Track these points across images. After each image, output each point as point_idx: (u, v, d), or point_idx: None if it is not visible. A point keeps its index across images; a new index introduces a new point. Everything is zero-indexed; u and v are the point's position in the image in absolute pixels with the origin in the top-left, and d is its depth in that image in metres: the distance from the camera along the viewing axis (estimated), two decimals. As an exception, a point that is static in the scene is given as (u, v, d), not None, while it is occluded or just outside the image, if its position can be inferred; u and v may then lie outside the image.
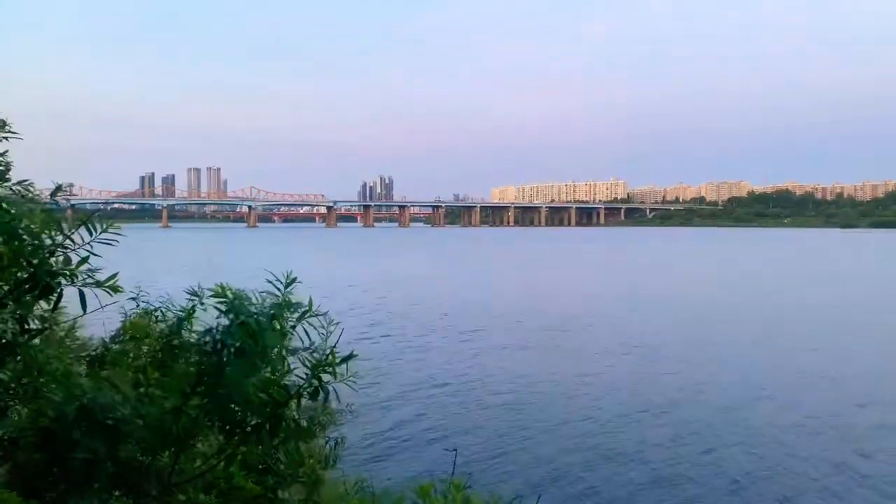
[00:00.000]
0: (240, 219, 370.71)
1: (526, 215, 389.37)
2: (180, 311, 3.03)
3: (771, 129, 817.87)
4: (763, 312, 37.98)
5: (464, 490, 2.79)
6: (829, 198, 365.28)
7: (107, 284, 2.72)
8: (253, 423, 2.57)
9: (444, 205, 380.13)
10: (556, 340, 29.12)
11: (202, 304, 2.75)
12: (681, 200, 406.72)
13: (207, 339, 2.48)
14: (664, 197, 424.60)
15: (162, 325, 3.95)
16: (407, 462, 14.26)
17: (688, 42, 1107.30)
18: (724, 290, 50.74)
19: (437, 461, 13.92)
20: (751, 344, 28.17)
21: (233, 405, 2.48)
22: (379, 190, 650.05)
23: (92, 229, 2.72)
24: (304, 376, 2.51)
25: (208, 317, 2.58)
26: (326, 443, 3.57)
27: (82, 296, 2.71)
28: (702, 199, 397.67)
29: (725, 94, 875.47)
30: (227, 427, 2.63)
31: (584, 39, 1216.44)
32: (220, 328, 2.47)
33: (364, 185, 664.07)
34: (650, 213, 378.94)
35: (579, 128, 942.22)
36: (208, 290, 2.62)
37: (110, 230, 2.73)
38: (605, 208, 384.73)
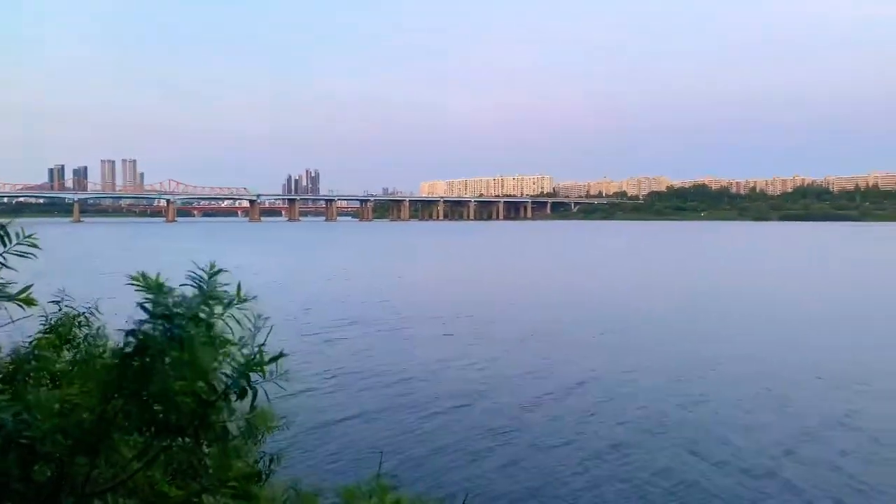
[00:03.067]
0: (158, 213, 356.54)
1: (455, 209, 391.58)
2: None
3: (686, 126, 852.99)
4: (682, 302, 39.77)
5: (390, 492, 2.82)
6: (742, 192, 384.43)
7: (19, 298, 2.48)
8: (177, 423, 2.43)
9: (372, 199, 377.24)
10: (478, 332, 29.44)
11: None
12: (604, 195, 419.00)
13: (129, 338, 2.33)
14: (588, 191, 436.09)
15: (86, 330, 3.80)
16: (333, 465, 14.03)
17: (607, 41, 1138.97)
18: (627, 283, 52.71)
19: (362, 462, 13.79)
20: (648, 326, 29.55)
21: (155, 405, 2.34)
22: (305, 183, 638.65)
23: (6, 240, 2.46)
24: (231, 374, 2.39)
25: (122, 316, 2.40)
26: (262, 457, 3.51)
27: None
28: (624, 194, 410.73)
29: (645, 93, 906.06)
30: (149, 428, 2.48)
31: (511, 36, 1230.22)
32: (142, 324, 2.32)
33: (289, 179, 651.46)
34: (575, 207, 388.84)
35: (507, 123, 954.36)
36: (128, 276, 2.42)
37: (26, 240, 2.48)
38: (532, 203, 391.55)
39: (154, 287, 2.35)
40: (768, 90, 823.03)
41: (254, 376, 2.45)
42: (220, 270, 2.46)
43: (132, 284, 2.34)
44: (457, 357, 24.46)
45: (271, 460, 4.12)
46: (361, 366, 22.89)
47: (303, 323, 31.11)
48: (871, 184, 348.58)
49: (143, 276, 2.38)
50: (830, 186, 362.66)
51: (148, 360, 2.31)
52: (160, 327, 2.29)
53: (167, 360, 2.28)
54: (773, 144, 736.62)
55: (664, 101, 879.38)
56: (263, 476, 3.83)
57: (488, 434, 16.03)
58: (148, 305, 2.33)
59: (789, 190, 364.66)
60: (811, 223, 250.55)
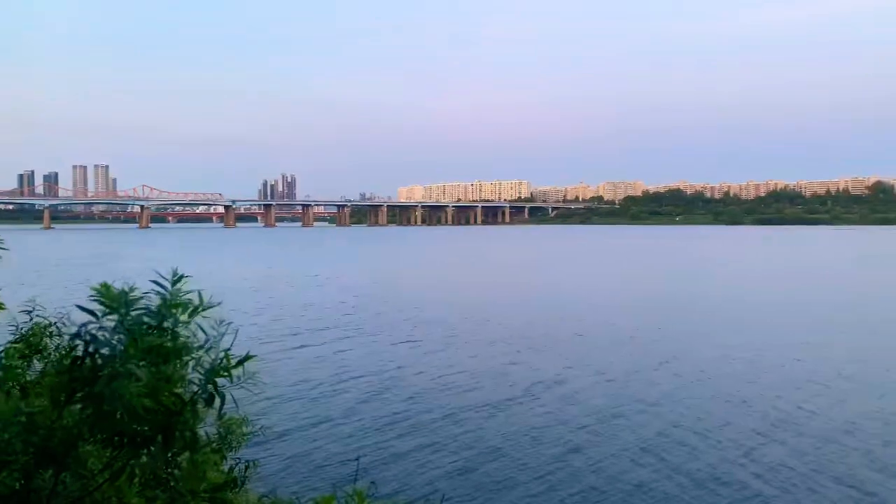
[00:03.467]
0: (131, 219, 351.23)
1: (433, 214, 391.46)
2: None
3: (662, 130, 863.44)
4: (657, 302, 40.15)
5: (367, 499, 2.77)
6: (716, 196, 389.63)
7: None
8: (143, 433, 2.35)
9: (349, 204, 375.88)
10: (450, 336, 29.42)
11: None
12: (581, 199, 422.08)
13: (78, 342, 2.26)
14: (565, 196, 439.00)
15: (58, 340, 3.69)
16: (309, 472, 13.87)
17: (585, 45, 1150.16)
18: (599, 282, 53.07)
19: (340, 470, 13.65)
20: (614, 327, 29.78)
21: (118, 415, 2.25)
22: (281, 189, 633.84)
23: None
24: (199, 381, 2.34)
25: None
26: (236, 463, 3.40)
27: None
28: (600, 199, 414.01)
29: (620, 98, 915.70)
30: (115, 439, 2.40)
31: (489, 40, 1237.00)
32: (95, 330, 2.26)
33: (265, 184, 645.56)
34: (552, 211, 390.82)
35: (485, 129, 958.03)
36: (91, 288, 2.38)
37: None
38: (510, 207, 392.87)
39: (114, 295, 2.29)
40: (742, 96, 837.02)
41: (222, 381, 2.39)
42: (182, 277, 2.41)
43: (94, 294, 2.29)
44: (434, 361, 24.42)
45: (247, 467, 4.01)
46: (336, 371, 22.74)
47: (274, 329, 30.82)
48: (841, 188, 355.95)
49: (106, 286, 2.33)
50: (803, 191, 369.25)
51: (100, 363, 2.23)
52: (115, 333, 2.23)
53: (123, 367, 2.20)
54: (747, 149, 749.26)
55: (640, 106, 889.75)
56: (238, 484, 3.71)
57: (465, 436, 16.00)
58: (103, 312, 2.27)
59: (763, 194, 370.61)
60: (784, 227, 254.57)
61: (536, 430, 16.58)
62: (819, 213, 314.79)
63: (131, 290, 2.32)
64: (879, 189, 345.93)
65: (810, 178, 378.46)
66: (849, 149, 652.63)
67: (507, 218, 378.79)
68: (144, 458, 2.47)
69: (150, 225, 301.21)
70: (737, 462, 14.38)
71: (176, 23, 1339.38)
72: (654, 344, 27.75)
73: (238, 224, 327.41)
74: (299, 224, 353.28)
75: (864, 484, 13.17)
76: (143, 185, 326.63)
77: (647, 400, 19.23)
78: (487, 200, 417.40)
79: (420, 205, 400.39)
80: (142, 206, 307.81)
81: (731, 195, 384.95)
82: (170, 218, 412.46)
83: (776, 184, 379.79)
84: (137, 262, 69.01)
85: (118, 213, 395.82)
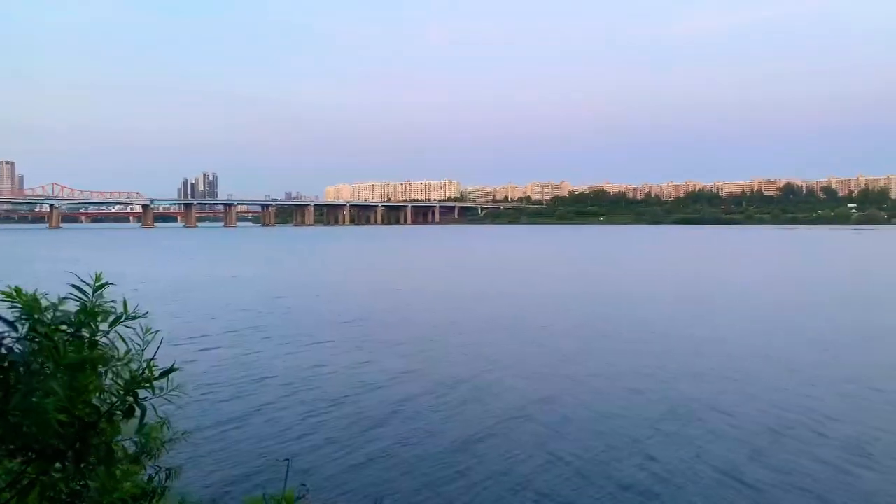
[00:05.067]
0: (40, 219, 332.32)
1: (362, 214, 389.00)
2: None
3: (586, 132, 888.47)
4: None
5: (297, 501, 2.61)
6: (639, 197, 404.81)
7: None
8: (54, 446, 2.22)
9: (274, 203, 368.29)
10: (373, 335, 29.10)
11: None
12: (509, 199, 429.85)
13: None
14: (495, 196, 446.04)
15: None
16: (238, 476, 13.31)
17: (513, 50, 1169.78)
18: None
19: (269, 472, 13.23)
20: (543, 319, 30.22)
21: (26, 427, 2.11)
22: (202, 187, 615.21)
23: None
24: (117, 392, 2.23)
25: None
26: (157, 472, 2.91)
27: None
28: (528, 199, 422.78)
29: (546, 100, 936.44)
30: (22, 452, 2.24)
31: (423, 40, 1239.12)
32: (10, 342, 2.10)
33: (185, 182, 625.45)
34: (482, 211, 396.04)
35: (414, 128, 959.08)
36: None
37: None
38: (440, 207, 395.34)
39: (27, 302, 2.16)
40: (659, 99, 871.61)
41: (143, 393, 2.31)
42: (105, 283, 2.30)
43: (5, 299, 2.16)
44: (359, 360, 24.08)
45: (167, 476, 3.59)
46: (256, 373, 22.20)
47: (186, 332, 29.50)
48: (755, 189, 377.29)
49: (18, 290, 2.21)
50: (720, 192, 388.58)
51: (11, 375, 2.08)
52: (28, 342, 2.10)
53: (36, 378, 2.07)
54: (666, 151, 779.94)
55: (566, 109, 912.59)
56: (158, 493, 3.31)
57: (397, 435, 15.86)
58: (13, 319, 2.14)
59: (682, 195, 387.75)
60: (703, 227, 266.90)
61: (478, 431, 16.58)
62: (735, 213, 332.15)
63: (43, 295, 2.19)
64: (789, 190, 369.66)
65: (726, 179, 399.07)
66: (761, 151, 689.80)
67: (438, 217, 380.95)
68: (56, 474, 2.34)
69: (61, 225, 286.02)
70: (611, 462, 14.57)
71: (88, 15, 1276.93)
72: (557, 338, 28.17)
73: (157, 224, 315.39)
74: (221, 224, 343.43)
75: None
76: (54, 184, 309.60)
77: (554, 395, 19.52)
78: (417, 200, 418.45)
79: (348, 204, 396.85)
80: (52, 206, 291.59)
81: (653, 195, 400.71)
82: (83, 218, 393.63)
83: (694, 185, 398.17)
84: (45, 265, 64.95)
85: (25, 213, 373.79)
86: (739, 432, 15.96)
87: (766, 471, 13.53)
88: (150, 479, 3.41)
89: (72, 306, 2.20)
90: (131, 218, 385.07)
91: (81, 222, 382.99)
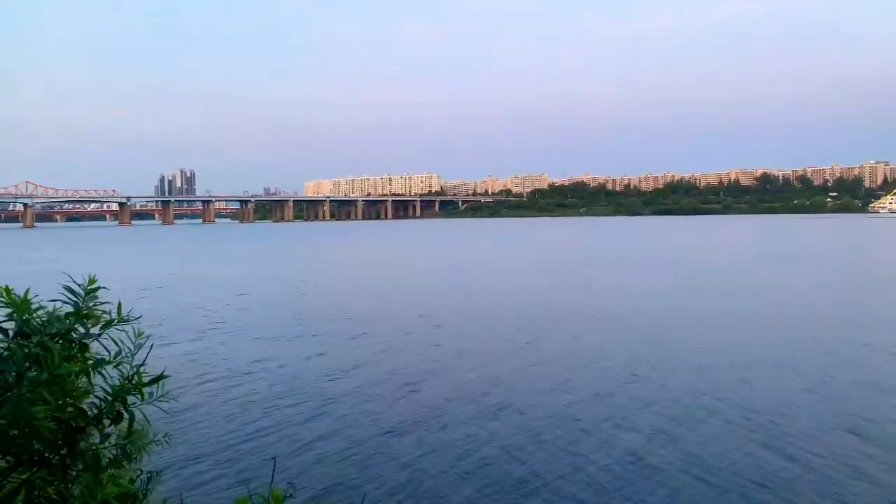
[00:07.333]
0: (13, 219, 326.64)
1: (342, 209, 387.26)
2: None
3: (565, 125, 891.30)
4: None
5: (284, 500, 2.61)
6: (618, 188, 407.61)
7: None
8: (40, 452, 2.19)
9: (253, 199, 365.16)
10: (358, 331, 28.93)
11: None
12: (490, 193, 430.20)
13: None
14: (475, 190, 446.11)
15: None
16: (222, 478, 13.16)
17: (489, 49, 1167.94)
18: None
19: (256, 472, 13.12)
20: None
21: (14, 432, 2.09)
22: (179, 184, 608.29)
23: None
24: (107, 397, 2.19)
25: None
26: (139, 475, 2.91)
27: None
28: (508, 192, 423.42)
29: (524, 95, 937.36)
30: (7, 457, 2.22)
31: (404, 38, 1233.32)
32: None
33: (162, 179, 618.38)
34: (462, 205, 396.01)
35: (394, 123, 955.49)
36: None
37: None
38: (421, 201, 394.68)
39: (18, 304, 2.14)
40: (637, 91, 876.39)
41: (132, 399, 2.28)
42: (98, 287, 2.27)
43: None
44: (344, 357, 23.88)
45: (149, 478, 3.56)
46: (239, 372, 21.91)
47: (166, 331, 29.14)
48: (732, 179, 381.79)
49: (7, 290, 2.18)
50: (697, 182, 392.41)
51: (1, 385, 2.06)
52: (17, 346, 2.07)
53: (25, 383, 2.05)
54: (645, 143, 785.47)
55: (545, 102, 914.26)
56: (140, 496, 3.28)
57: (382, 432, 15.79)
58: (5, 319, 2.13)
59: (660, 186, 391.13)
60: (681, 217, 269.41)
61: (467, 428, 16.57)
62: (713, 203, 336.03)
63: (32, 298, 2.15)
64: (766, 180, 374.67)
65: (704, 170, 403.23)
66: (737, 142, 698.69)
67: (418, 211, 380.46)
68: (40, 479, 2.31)
69: (35, 224, 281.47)
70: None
71: (64, 13, 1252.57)
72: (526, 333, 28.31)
73: (134, 222, 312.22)
74: (199, 221, 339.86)
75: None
76: (27, 182, 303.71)
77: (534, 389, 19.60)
78: (398, 194, 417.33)
79: (328, 199, 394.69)
80: (25, 205, 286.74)
81: (632, 187, 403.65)
82: (58, 216, 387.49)
83: (672, 176, 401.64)
84: (14, 266, 63.78)
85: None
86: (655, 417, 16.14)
87: (674, 456, 13.69)
88: (132, 481, 3.37)
89: (61, 307, 2.16)
90: (108, 216, 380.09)
91: (56, 221, 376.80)
